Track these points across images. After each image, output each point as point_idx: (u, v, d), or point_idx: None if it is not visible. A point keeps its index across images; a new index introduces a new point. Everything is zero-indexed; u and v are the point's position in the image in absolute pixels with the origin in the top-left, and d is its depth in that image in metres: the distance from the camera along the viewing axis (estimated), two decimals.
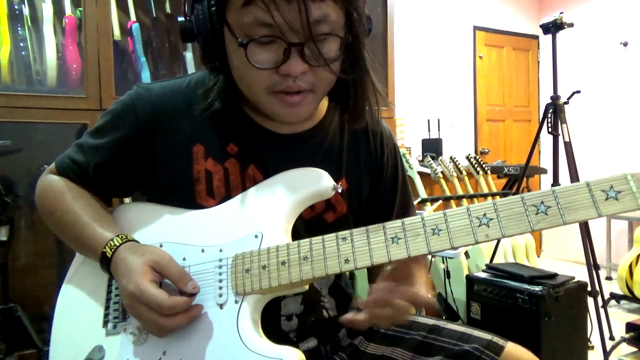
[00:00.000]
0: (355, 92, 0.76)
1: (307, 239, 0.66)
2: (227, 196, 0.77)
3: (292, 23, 0.62)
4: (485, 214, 0.58)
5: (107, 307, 0.76)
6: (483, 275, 2.15)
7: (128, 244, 0.71)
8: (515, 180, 3.03)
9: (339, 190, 0.74)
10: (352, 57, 0.72)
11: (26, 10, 2.05)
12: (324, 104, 0.85)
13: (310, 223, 0.80)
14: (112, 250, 0.70)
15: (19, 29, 2.03)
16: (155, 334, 0.67)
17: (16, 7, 2.03)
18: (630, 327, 2.27)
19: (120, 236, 0.72)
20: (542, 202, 0.56)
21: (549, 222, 0.55)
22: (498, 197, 2.94)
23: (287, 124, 0.76)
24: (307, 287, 0.71)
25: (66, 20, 2.04)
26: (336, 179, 0.75)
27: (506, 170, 3.22)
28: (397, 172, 0.92)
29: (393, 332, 0.88)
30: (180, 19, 0.71)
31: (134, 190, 0.86)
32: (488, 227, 0.57)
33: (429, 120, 3.90)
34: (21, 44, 2.04)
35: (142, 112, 0.77)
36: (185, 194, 0.77)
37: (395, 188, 0.91)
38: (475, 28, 4.37)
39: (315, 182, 0.73)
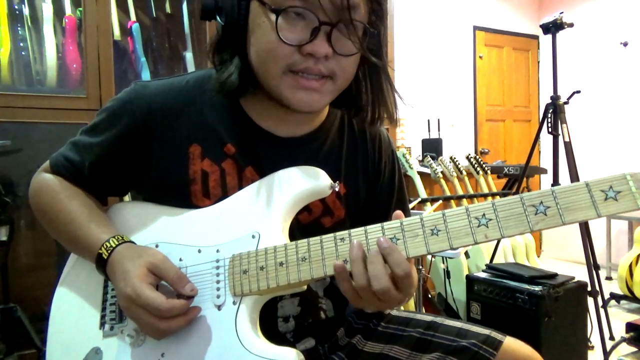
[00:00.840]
0: (373, 94, 0.76)
1: (305, 240, 0.66)
2: (224, 197, 0.76)
3: (327, 2, 0.63)
4: (484, 214, 0.57)
5: (103, 309, 0.75)
6: (483, 275, 2.15)
7: (124, 246, 0.70)
8: (515, 180, 3.02)
9: (336, 189, 0.73)
10: (373, 56, 0.72)
11: (26, 10, 2.05)
12: (325, 108, 0.84)
13: (307, 227, 0.79)
14: (109, 251, 0.69)
15: (19, 29, 2.03)
16: (152, 336, 0.67)
17: (16, 7, 2.03)
18: (630, 327, 2.27)
19: (116, 237, 0.71)
20: (542, 203, 0.55)
21: (548, 223, 0.55)
22: (498, 197, 2.94)
23: (299, 111, 0.73)
24: (305, 287, 0.71)
25: (66, 20, 2.04)
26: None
27: (506, 170, 3.22)
28: (394, 178, 0.91)
29: (391, 329, 0.88)
30: None
31: (130, 189, 0.85)
32: (487, 227, 0.57)
33: (429, 120, 3.90)
34: (21, 44, 2.04)
35: (139, 110, 0.76)
36: (180, 194, 0.76)
37: (392, 194, 0.91)
38: (475, 28, 4.37)
39: (313, 180, 0.72)
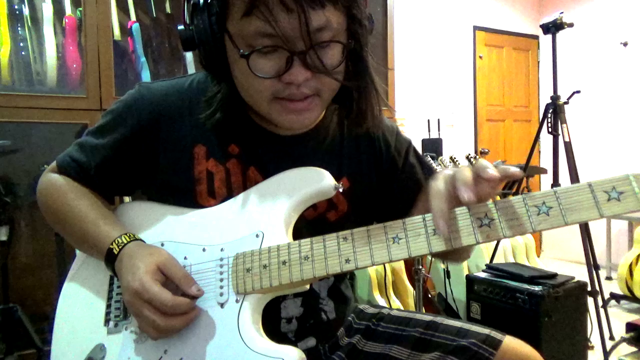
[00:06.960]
0: (359, 97, 0.75)
1: (308, 239, 0.66)
2: (229, 196, 0.77)
3: (293, 32, 0.62)
4: (486, 214, 0.57)
5: (108, 306, 0.76)
6: (483, 275, 2.15)
7: (135, 243, 0.72)
8: (515, 180, 3.02)
9: (341, 190, 0.74)
10: (356, 62, 0.72)
11: (26, 10, 2.04)
12: None
13: (312, 223, 0.80)
14: (120, 247, 0.71)
15: (19, 29, 2.03)
16: (150, 334, 0.67)
17: (16, 7, 2.02)
18: (630, 327, 2.28)
19: (127, 234, 0.72)
20: (544, 203, 0.55)
21: (551, 223, 0.55)
22: (498, 197, 2.94)
23: (292, 130, 0.75)
24: (307, 286, 0.71)
25: (66, 20, 2.04)
26: (337, 178, 0.74)
27: None
28: (408, 156, 0.89)
29: (391, 329, 0.88)
30: (181, 27, 0.70)
31: (135, 189, 0.86)
32: (489, 227, 0.57)
33: (429, 120, 3.90)
34: (21, 44, 2.03)
35: (143, 111, 0.77)
36: (186, 194, 0.77)
37: (414, 169, 0.89)
38: (475, 28, 4.37)
39: (317, 182, 0.73)
